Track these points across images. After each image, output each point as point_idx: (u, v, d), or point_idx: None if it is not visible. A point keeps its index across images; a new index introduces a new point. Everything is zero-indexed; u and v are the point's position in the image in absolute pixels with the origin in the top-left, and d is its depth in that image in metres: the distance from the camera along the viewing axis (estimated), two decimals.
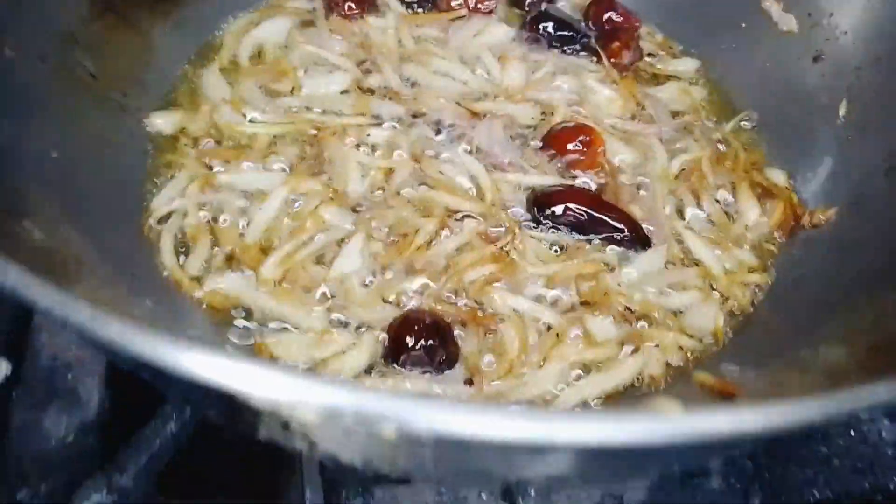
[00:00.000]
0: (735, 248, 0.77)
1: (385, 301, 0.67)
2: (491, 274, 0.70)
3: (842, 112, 0.82)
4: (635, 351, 0.68)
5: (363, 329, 0.66)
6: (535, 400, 0.64)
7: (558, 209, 0.74)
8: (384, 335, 0.65)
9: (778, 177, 0.83)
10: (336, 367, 0.63)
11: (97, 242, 0.61)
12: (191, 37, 0.89)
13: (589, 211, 0.74)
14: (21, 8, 0.69)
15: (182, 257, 0.70)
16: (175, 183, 0.75)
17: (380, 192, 0.76)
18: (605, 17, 0.97)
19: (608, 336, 0.68)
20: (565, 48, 0.95)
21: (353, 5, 0.94)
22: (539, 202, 0.75)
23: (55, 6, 0.73)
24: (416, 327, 0.62)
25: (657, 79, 0.94)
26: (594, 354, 0.67)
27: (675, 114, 0.90)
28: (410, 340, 0.62)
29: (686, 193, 0.80)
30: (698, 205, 0.80)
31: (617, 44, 0.94)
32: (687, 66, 0.96)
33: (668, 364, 0.68)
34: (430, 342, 0.62)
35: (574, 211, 0.74)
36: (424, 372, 0.62)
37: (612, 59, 0.94)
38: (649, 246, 0.74)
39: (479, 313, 0.67)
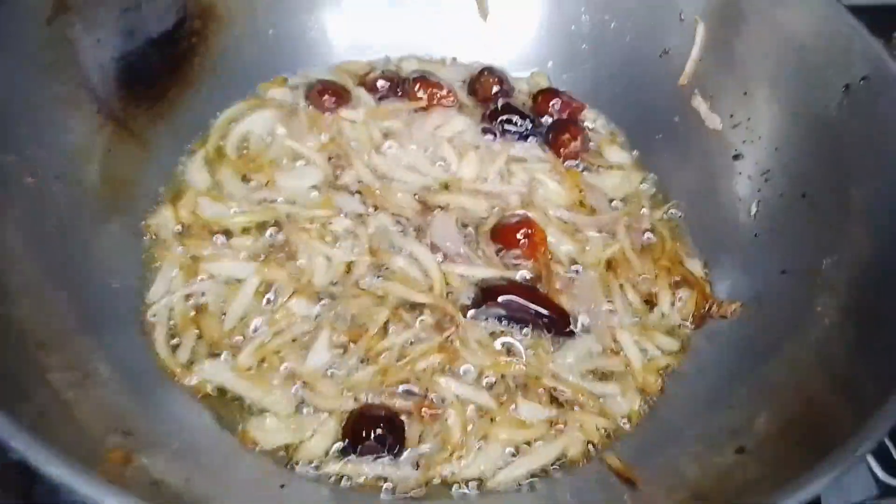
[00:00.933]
0: (656, 333, 0.88)
1: (344, 393, 0.79)
2: (438, 363, 0.82)
3: (752, 211, 0.93)
4: (560, 433, 0.79)
5: (325, 415, 0.78)
6: (473, 480, 0.76)
7: (501, 300, 0.86)
8: (343, 424, 0.77)
9: (695, 266, 0.94)
10: (303, 453, 0.75)
11: (104, 347, 0.74)
12: (184, 134, 1.00)
13: (526, 304, 0.86)
14: (39, 131, 0.81)
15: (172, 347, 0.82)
16: (163, 274, 0.86)
17: (340, 282, 0.88)
18: (551, 104, 1.09)
19: (537, 418, 0.80)
20: (519, 139, 1.06)
21: (331, 100, 1.05)
22: (483, 294, 0.87)
23: (68, 125, 0.85)
24: (370, 421, 0.75)
25: (600, 167, 1.06)
26: (524, 435, 0.79)
27: (615, 200, 1.02)
28: (365, 433, 0.74)
29: (614, 283, 0.92)
30: (623, 294, 0.91)
31: (566, 135, 1.06)
32: (624, 158, 1.07)
33: (587, 445, 0.79)
34: (382, 433, 0.74)
35: (513, 304, 0.86)
36: (378, 458, 0.75)
37: (561, 149, 1.05)
38: (573, 337, 0.86)
39: (426, 405, 0.78)
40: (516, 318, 0.86)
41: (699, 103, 1.02)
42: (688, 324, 0.89)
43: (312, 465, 0.74)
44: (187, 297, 0.85)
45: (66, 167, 0.83)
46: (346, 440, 0.75)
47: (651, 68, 1.06)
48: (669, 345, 0.88)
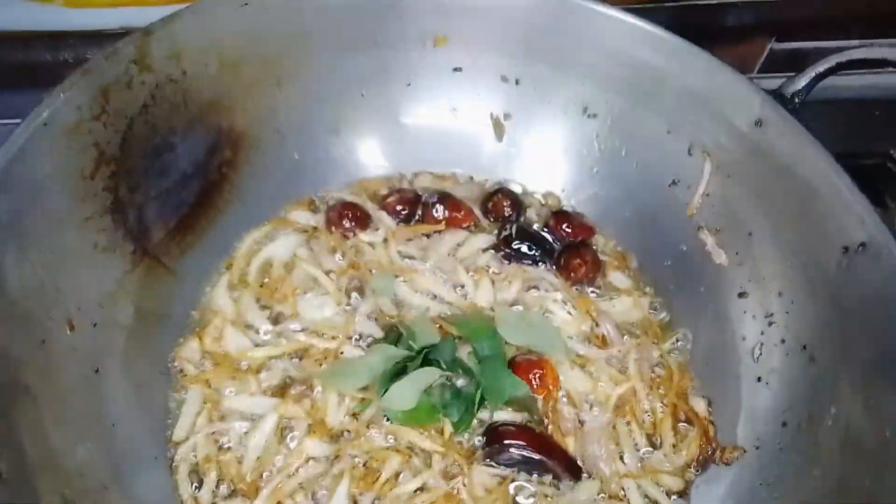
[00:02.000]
0: (660, 475, 0.92)
1: None
2: None
3: (756, 353, 0.96)
4: None
5: None
6: None
7: (508, 444, 0.90)
8: None
9: (700, 406, 0.97)
10: None
11: (133, 496, 0.79)
12: (212, 259, 1.06)
13: (531, 451, 0.89)
14: (79, 281, 0.87)
15: (195, 486, 0.87)
16: (187, 410, 0.91)
17: (354, 420, 0.92)
18: (563, 226, 1.13)
19: None
20: (531, 264, 1.10)
21: (350, 223, 1.11)
22: (490, 439, 0.91)
23: (106, 270, 0.91)
24: None
25: (611, 294, 1.09)
26: None
27: (626, 327, 1.05)
28: None
29: (622, 424, 0.95)
30: (630, 436, 0.94)
31: (577, 260, 1.10)
32: (633, 283, 1.10)
33: None
34: None
35: (519, 449, 0.90)
36: None
37: (572, 274, 1.09)
38: (581, 480, 0.90)
39: None
40: (523, 463, 0.90)
41: (706, 236, 1.06)
42: (691, 469, 0.93)
43: None
44: (211, 434, 0.90)
45: (103, 311, 0.89)
46: None
47: (661, 196, 1.10)
48: (674, 484, 0.91)
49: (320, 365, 0.96)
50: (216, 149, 1.06)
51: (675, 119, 1.06)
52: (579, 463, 0.91)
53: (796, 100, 0.96)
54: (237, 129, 1.08)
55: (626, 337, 1.04)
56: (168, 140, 0.99)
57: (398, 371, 0.92)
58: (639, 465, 0.92)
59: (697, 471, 0.92)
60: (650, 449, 0.94)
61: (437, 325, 1.00)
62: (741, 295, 1.01)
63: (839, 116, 1.37)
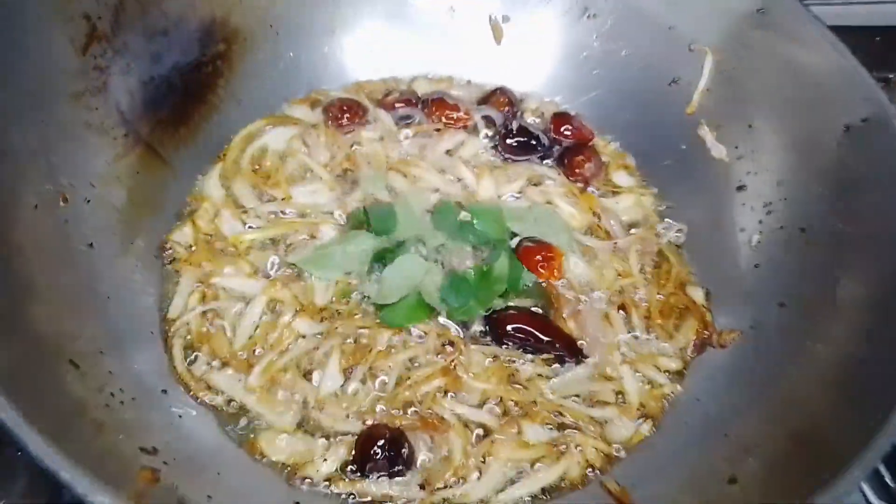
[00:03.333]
0: (658, 357, 0.92)
1: (350, 416, 0.83)
2: (440, 388, 0.85)
3: (754, 242, 0.96)
4: (561, 455, 0.83)
5: (334, 438, 0.82)
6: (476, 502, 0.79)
7: (510, 329, 0.90)
8: (351, 445, 0.81)
9: (697, 295, 0.97)
10: (309, 471, 0.79)
11: (129, 366, 0.78)
12: (207, 153, 1.04)
13: (535, 333, 0.89)
14: (71, 157, 0.85)
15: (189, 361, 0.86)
16: (181, 290, 0.90)
17: (343, 303, 0.92)
18: (563, 129, 1.12)
19: (539, 439, 0.84)
20: (538, 158, 1.10)
21: (349, 117, 1.09)
22: (493, 322, 0.91)
23: (99, 150, 0.89)
24: (377, 441, 0.78)
25: (613, 191, 1.09)
26: (526, 455, 0.83)
27: (629, 224, 1.05)
28: (373, 452, 0.78)
29: (616, 313, 0.95)
30: (629, 322, 0.94)
31: (581, 157, 1.09)
32: (634, 182, 1.10)
33: (586, 468, 0.83)
34: (389, 453, 0.78)
35: (520, 331, 0.89)
36: (383, 476, 0.79)
37: (576, 171, 1.08)
38: (582, 362, 0.90)
39: (430, 420, 0.82)
40: (526, 345, 0.90)
41: (705, 133, 1.05)
42: (688, 351, 0.93)
43: (323, 484, 0.78)
44: (204, 313, 0.89)
45: (96, 190, 0.87)
46: (355, 459, 0.79)
47: (660, 96, 1.09)
48: (670, 364, 0.91)
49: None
50: (209, 40, 1.04)
51: (677, 14, 1.05)
52: (580, 344, 0.91)
53: None
54: (231, 23, 1.06)
55: (630, 230, 1.04)
56: (160, 25, 0.97)
57: (378, 259, 0.92)
58: (635, 349, 0.92)
59: (694, 354, 0.92)
60: (648, 335, 0.94)
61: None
62: (740, 188, 1.00)
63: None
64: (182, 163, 1.00)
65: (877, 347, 0.74)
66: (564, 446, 0.84)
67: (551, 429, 0.85)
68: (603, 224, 1.04)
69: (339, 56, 1.16)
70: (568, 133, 1.12)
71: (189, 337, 0.87)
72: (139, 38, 0.94)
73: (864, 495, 0.95)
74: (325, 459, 0.79)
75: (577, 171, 1.08)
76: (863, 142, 0.84)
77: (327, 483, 0.79)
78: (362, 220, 0.97)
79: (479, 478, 0.81)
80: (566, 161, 1.09)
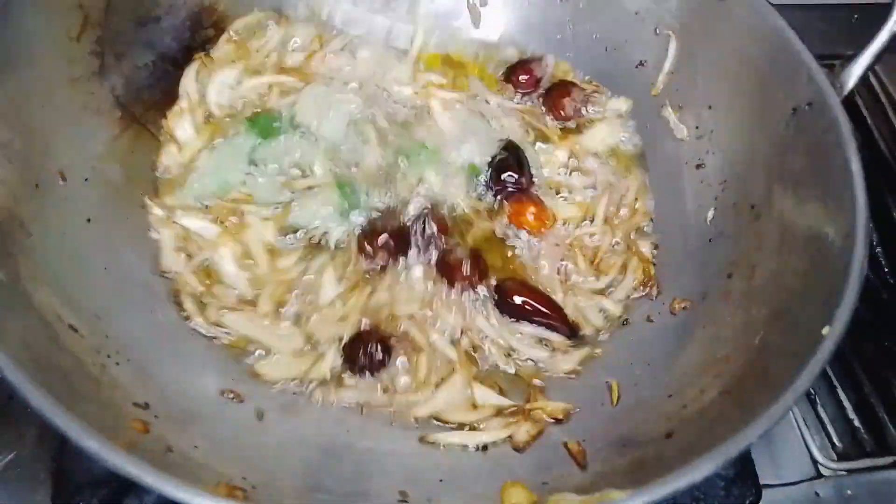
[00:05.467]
0: (602, 298, 1.00)
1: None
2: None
3: (709, 217, 1.02)
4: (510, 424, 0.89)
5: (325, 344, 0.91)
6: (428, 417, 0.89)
7: (517, 300, 0.97)
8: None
9: (645, 247, 1.05)
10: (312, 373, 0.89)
11: (127, 327, 0.86)
12: None
13: (539, 307, 0.97)
14: (70, 138, 0.92)
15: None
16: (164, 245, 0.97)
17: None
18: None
19: (489, 402, 0.91)
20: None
21: None
22: (500, 291, 0.98)
23: (95, 131, 0.96)
24: (370, 341, 0.90)
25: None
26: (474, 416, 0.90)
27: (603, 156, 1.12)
28: (362, 349, 0.90)
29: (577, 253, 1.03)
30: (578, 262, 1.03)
31: (562, 95, 1.15)
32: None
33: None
34: (379, 354, 0.90)
35: (530, 305, 0.97)
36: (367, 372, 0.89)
37: (560, 111, 1.15)
38: (576, 335, 0.97)
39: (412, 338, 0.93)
40: (527, 317, 0.97)
41: (669, 113, 1.11)
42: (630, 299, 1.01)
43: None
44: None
45: (94, 169, 0.94)
46: (346, 353, 0.90)
47: (628, 78, 1.15)
48: (614, 309, 1.00)
49: None
50: (199, 26, 1.10)
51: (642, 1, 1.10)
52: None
53: None
54: (219, 9, 1.12)
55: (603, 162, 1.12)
56: (152, 12, 1.03)
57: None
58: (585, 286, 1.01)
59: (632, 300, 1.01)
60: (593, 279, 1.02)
61: None
62: (699, 166, 1.06)
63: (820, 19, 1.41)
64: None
65: (806, 307, 0.80)
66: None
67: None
68: (582, 164, 1.11)
69: None
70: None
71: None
72: (132, 26, 1.01)
73: (808, 449, 1.03)
74: (319, 365, 0.90)
75: (561, 111, 1.14)
76: (807, 124, 0.89)
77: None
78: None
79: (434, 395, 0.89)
80: (550, 103, 1.15)
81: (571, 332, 0.97)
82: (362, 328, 0.93)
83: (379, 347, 0.90)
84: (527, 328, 0.96)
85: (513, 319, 0.97)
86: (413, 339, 0.93)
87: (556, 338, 0.96)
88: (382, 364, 0.90)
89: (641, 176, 1.11)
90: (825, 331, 0.69)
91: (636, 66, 1.14)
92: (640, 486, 0.60)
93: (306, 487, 0.79)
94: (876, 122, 1.39)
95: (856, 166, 0.81)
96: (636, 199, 1.09)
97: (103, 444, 0.57)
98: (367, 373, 0.90)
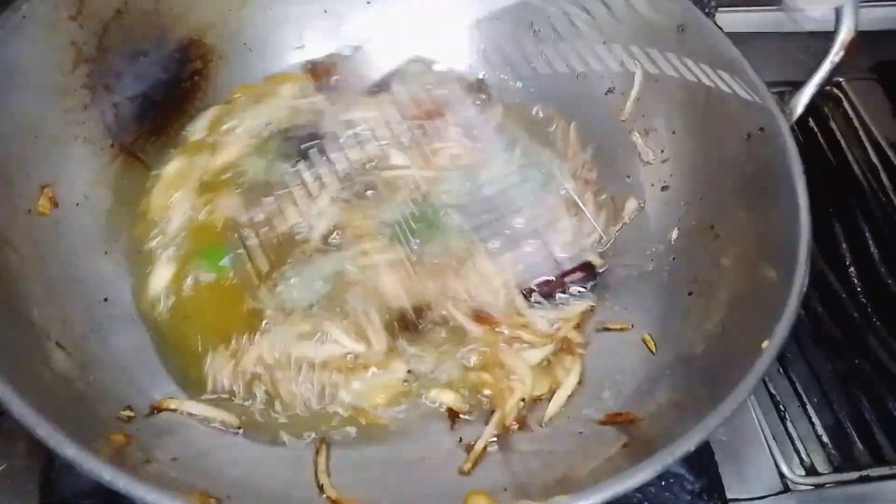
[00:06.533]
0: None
1: None
2: None
3: (673, 237, 1.07)
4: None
5: None
6: None
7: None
8: None
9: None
10: None
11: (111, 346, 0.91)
12: None
13: None
14: (62, 166, 0.97)
15: None
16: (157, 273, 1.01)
17: None
18: None
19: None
20: None
21: None
22: None
23: (86, 159, 1.01)
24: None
25: None
26: None
27: None
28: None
29: None
30: None
31: None
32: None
33: None
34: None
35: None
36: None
37: None
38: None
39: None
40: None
41: (636, 138, 1.15)
42: None
43: None
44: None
45: (85, 195, 1.00)
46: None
47: (597, 105, 1.20)
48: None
49: None
50: (187, 58, 1.15)
51: (608, 30, 1.15)
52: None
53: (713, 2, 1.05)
54: (207, 43, 1.18)
55: None
56: (141, 47, 1.09)
57: None
58: None
59: None
60: None
61: None
62: (664, 188, 1.11)
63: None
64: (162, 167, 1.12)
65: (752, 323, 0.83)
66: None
67: None
68: None
69: None
70: None
71: None
72: (122, 60, 1.06)
73: (776, 464, 1.06)
74: None
75: None
76: (759, 148, 0.94)
77: None
78: None
79: None
80: None
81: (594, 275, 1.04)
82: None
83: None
84: None
85: None
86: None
87: None
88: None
89: None
90: (764, 345, 0.73)
91: (605, 94, 1.19)
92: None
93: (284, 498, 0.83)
94: (849, 145, 1.43)
95: (801, 188, 0.86)
96: None
97: (80, 452, 0.61)
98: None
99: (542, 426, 0.90)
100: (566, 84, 1.23)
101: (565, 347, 0.98)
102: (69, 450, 0.61)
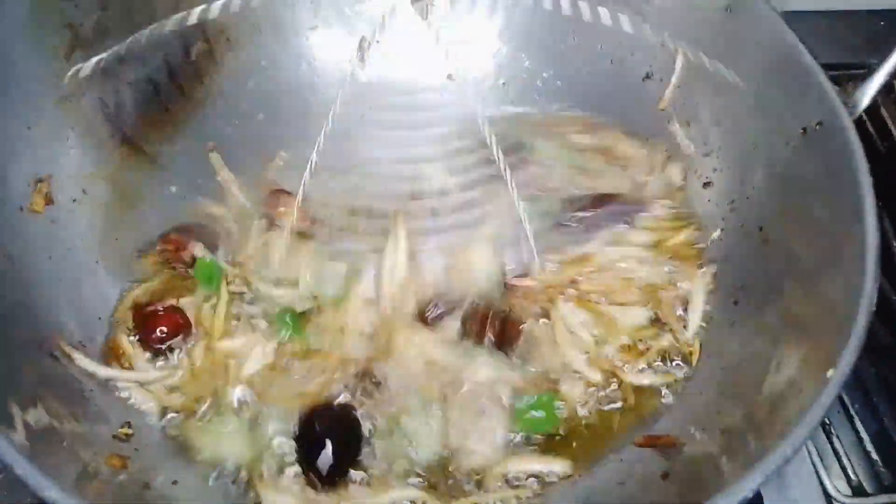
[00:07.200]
0: None
1: None
2: None
3: (715, 236, 0.98)
4: None
5: None
6: None
7: None
8: None
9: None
10: None
11: None
12: (190, 147, 1.08)
13: None
14: (60, 157, 0.91)
15: None
16: None
17: None
18: None
19: None
20: None
21: None
22: None
23: (85, 150, 0.94)
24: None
25: None
26: None
27: None
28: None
29: None
30: None
31: None
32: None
33: None
34: None
35: None
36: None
37: None
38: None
39: None
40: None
41: (676, 128, 1.06)
42: None
43: None
44: None
45: (83, 190, 0.93)
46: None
47: (634, 91, 1.10)
48: None
49: None
50: (193, 40, 1.08)
51: (647, 10, 1.06)
52: None
53: None
54: (215, 23, 1.09)
55: None
56: (144, 28, 1.01)
57: None
58: None
59: None
60: None
61: None
62: (706, 185, 1.02)
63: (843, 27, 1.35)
64: (165, 157, 1.05)
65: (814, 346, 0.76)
66: None
67: None
68: None
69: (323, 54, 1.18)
70: None
71: None
72: (122, 42, 0.98)
73: (821, 482, 0.98)
74: None
75: None
76: (817, 145, 0.85)
77: None
78: None
79: None
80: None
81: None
82: None
83: None
84: None
85: None
86: None
87: None
88: None
89: None
90: (830, 373, 0.65)
91: (643, 80, 1.10)
92: None
93: None
94: None
95: (867, 189, 0.77)
96: None
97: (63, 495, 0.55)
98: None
99: None
100: (599, 69, 1.14)
101: None
102: (51, 493, 0.55)
